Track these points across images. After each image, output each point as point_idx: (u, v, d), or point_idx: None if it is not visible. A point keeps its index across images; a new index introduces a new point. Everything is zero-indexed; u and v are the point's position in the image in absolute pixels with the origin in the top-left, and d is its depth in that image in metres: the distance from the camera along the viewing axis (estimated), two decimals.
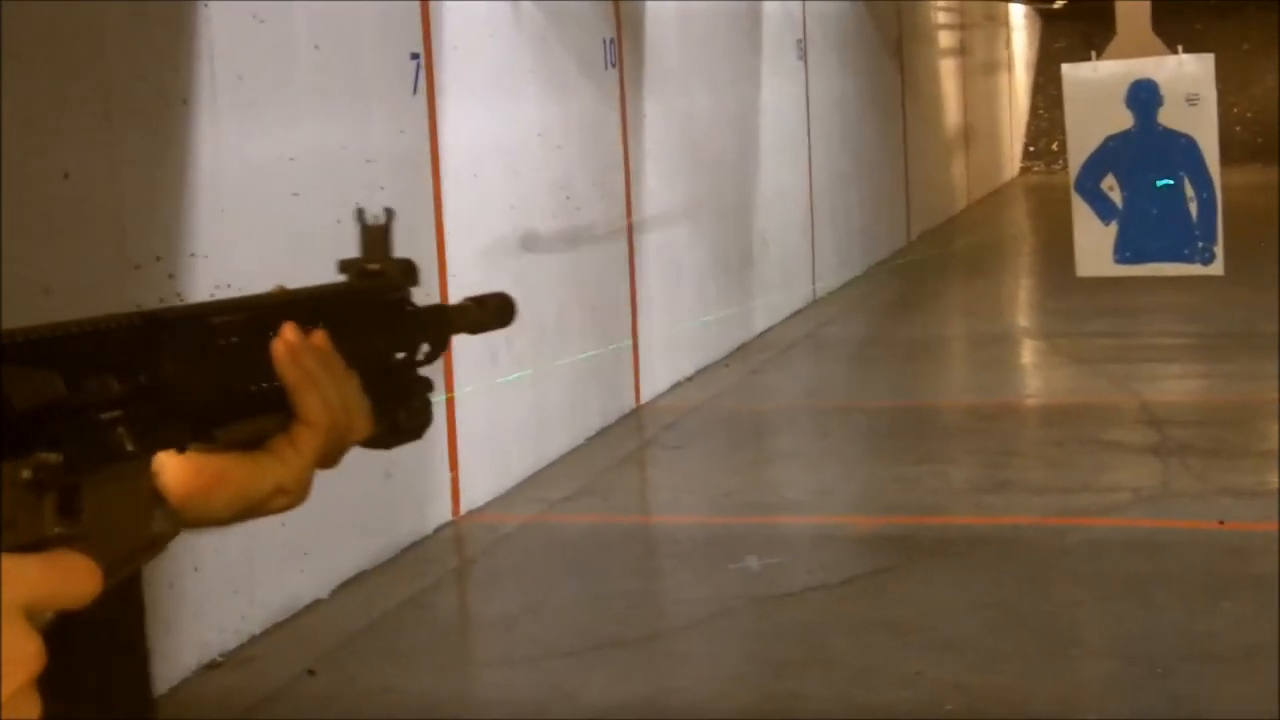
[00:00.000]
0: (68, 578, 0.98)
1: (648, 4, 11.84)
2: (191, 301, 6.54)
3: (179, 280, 6.58)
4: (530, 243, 9.09)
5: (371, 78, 8.08)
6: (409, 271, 1.49)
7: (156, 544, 1.16)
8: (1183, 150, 8.12)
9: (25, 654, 0.93)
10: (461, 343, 7.95)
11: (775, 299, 15.16)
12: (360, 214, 1.49)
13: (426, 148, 8.59)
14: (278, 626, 7.17)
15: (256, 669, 6.75)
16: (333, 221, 7.41)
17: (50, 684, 0.95)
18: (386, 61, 8.23)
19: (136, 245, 6.36)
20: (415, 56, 8.46)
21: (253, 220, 7.05)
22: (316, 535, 7.37)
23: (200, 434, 1.21)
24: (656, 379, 11.95)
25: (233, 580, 6.89)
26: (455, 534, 8.67)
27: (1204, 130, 8.11)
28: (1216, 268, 8.23)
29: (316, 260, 7.93)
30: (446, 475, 8.74)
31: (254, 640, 7.02)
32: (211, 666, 6.72)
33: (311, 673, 6.66)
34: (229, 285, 6.77)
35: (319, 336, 1.31)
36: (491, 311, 1.62)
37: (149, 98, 6.47)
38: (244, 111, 7.03)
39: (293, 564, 7.30)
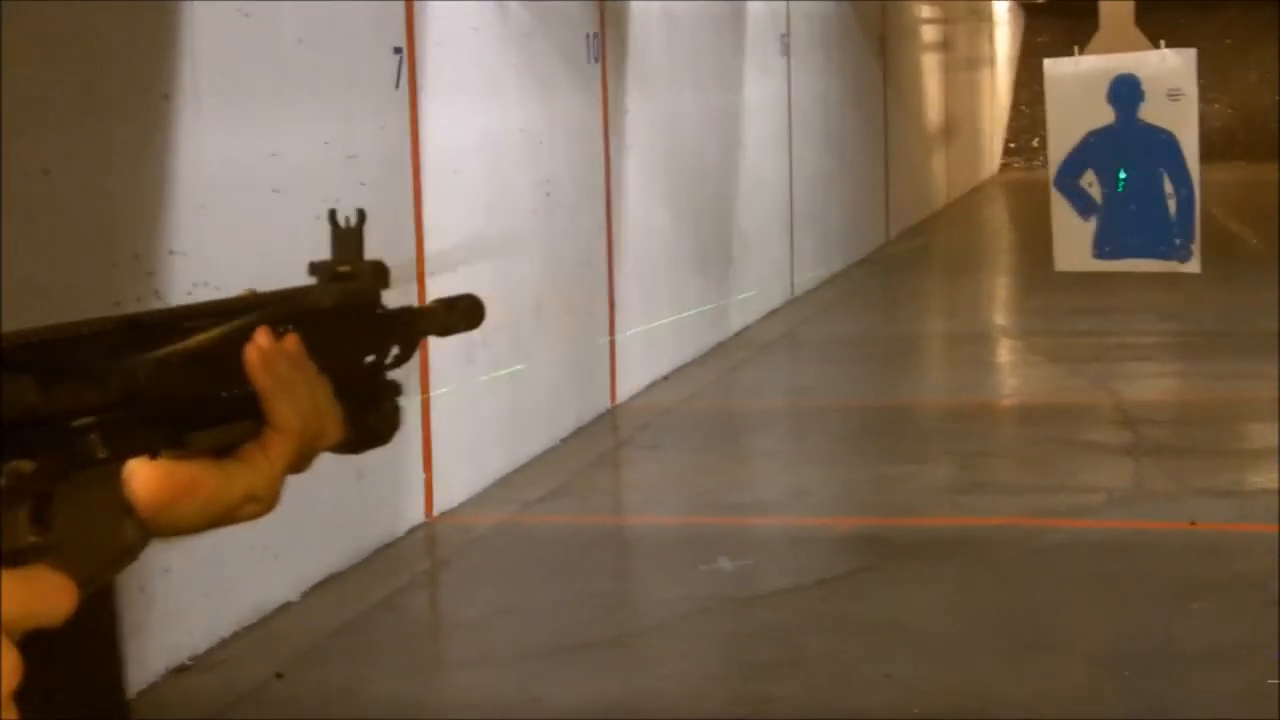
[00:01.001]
0: (43, 596, 0.97)
1: (631, 1, 11.84)
2: (167, 300, 6.54)
3: (157, 278, 6.56)
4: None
5: (354, 73, 8.06)
6: (380, 274, 1.48)
7: (128, 553, 1.15)
8: (1163, 146, 8.13)
9: (4, 668, 0.92)
10: (438, 342, 7.93)
11: (753, 297, 15.16)
12: (333, 215, 1.47)
13: (407, 144, 8.58)
14: (248, 629, 7.14)
15: (226, 672, 6.73)
16: (313, 218, 7.38)
17: (25, 695, 0.94)
18: (369, 57, 8.21)
19: (115, 243, 6.33)
20: (398, 51, 8.44)
21: (233, 217, 7.02)
22: (287, 537, 7.35)
23: (172, 440, 1.19)
24: (633, 378, 11.94)
25: (202, 583, 6.87)
26: (428, 535, 8.65)
27: (1185, 126, 8.12)
28: (1193, 265, 8.25)
29: (297, 257, 7.81)
30: (420, 476, 8.73)
31: (224, 643, 6.99)
32: (181, 670, 6.69)
33: (280, 675, 6.65)
34: (207, 283, 6.75)
35: (291, 341, 1.30)
36: (460, 314, 1.61)
37: (130, 93, 6.44)
38: (226, 107, 7.00)
39: (263, 566, 7.27)
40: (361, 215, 1.47)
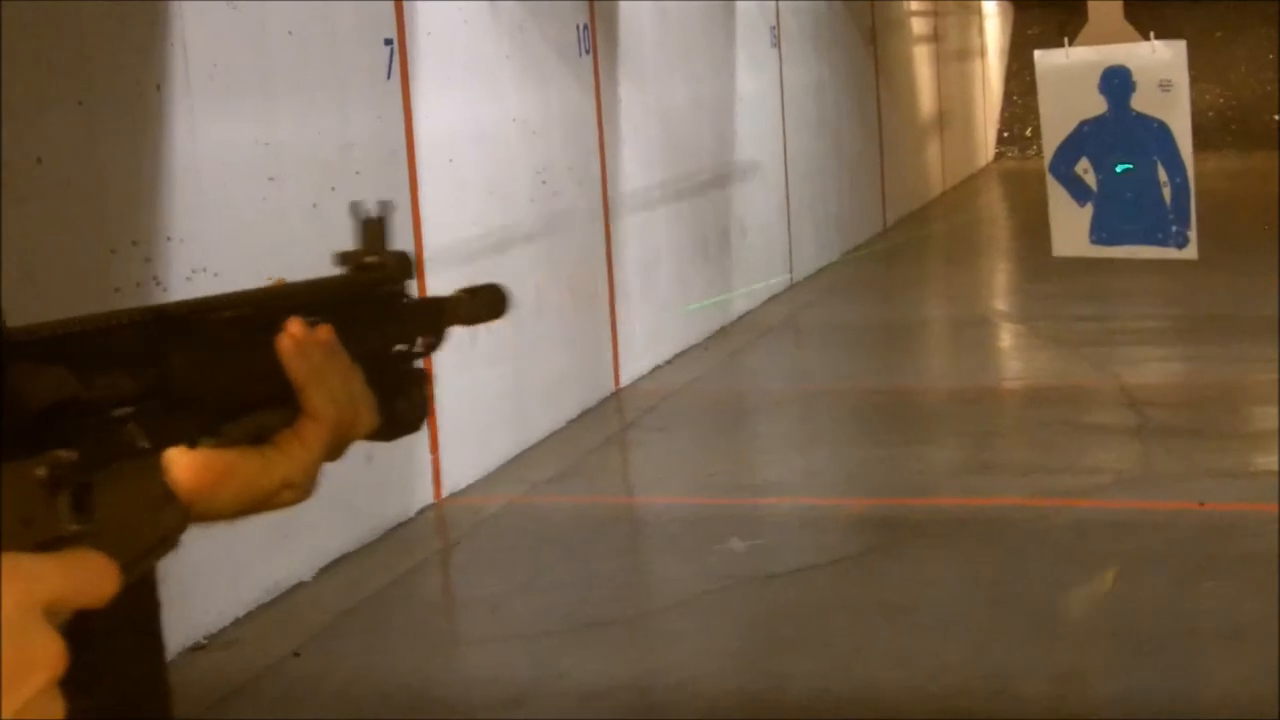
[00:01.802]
0: (87, 577, 0.96)
1: None
2: (166, 286, 6.54)
3: (155, 264, 6.57)
4: None
5: (346, 64, 8.06)
6: (405, 264, 1.50)
7: (167, 540, 1.16)
8: (1155, 135, 8.13)
9: (49, 654, 0.92)
10: None
11: (753, 284, 15.15)
12: (357, 207, 1.49)
13: (402, 134, 8.57)
14: (262, 608, 7.17)
15: (241, 651, 6.74)
16: (309, 206, 7.40)
17: (70, 681, 0.93)
18: (361, 48, 8.22)
19: (113, 229, 6.34)
20: (389, 42, 8.44)
21: (229, 204, 7.04)
22: (299, 518, 7.32)
23: (209, 429, 1.21)
24: (636, 362, 11.95)
25: (217, 563, 6.87)
26: (438, 516, 8.66)
27: (1176, 116, 8.12)
28: (1190, 251, 8.24)
29: (293, 243, 7.96)
30: (428, 458, 8.73)
31: (238, 622, 7.01)
32: (196, 649, 6.71)
33: (297, 654, 6.65)
34: (205, 269, 6.76)
35: (324, 331, 1.31)
36: (485, 303, 1.63)
37: (123, 83, 6.46)
38: (219, 97, 7.02)
39: (276, 546, 7.28)
40: (386, 207, 1.50)
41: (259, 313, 1.28)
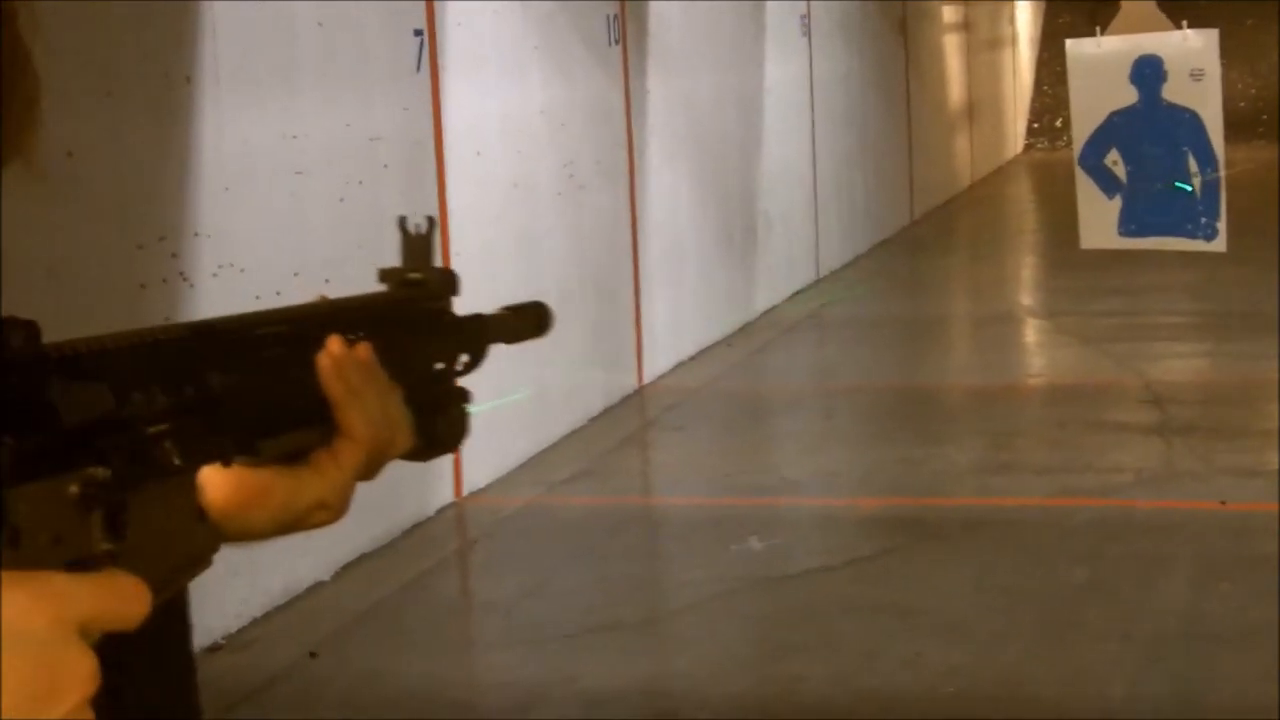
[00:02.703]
0: (120, 599, 0.97)
1: None
2: (193, 281, 6.54)
3: (182, 260, 6.56)
4: None
5: (375, 55, 8.06)
6: (450, 281, 1.49)
7: (200, 560, 1.16)
8: (1186, 125, 8.10)
9: (82, 673, 0.92)
10: None
11: (778, 278, 15.13)
12: (403, 222, 1.48)
13: (430, 125, 8.57)
14: (279, 609, 7.17)
15: (258, 652, 6.75)
16: (335, 200, 7.39)
17: (101, 701, 0.94)
18: (390, 39, 8.21)
19: (140, 225, 6.34)
20: (418, 33, 8.43)
21: (256, 199, 7.03)
22: None
23: (244, 447, 1.20)
24: (658, 359, 11.92)
25: (234, 563, 6.86)
26: (457, 516, 8.66)
27: (1208, 105, 8.09)
28: (1219, 244, 8.22)
29: (321, 239, 7.94)
30: (449, 456, 8.71)
31: (255, 623, 7.01)
32: (213, 649, 6.71)
33: (314, 655, 6.66)
34: (231, 264, 6.76)
35: (364, 349, 1.30)
36: (528, 320, 1.62)
37: (152, 75, 6.44)
38: (247, 90, 7.01)
39: (294, 547, 7.27)
40: (432, 223, 1.48)
41: (298, 330, 1.27)
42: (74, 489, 0.99)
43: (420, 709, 6.14)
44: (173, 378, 1.11)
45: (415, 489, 8.39)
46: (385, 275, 1.47)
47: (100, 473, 1.01)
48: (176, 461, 1.09)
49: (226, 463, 1.17)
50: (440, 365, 1.48)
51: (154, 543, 1.08)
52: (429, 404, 1.43)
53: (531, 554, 8.09)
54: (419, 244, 1.48)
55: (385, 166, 7.96)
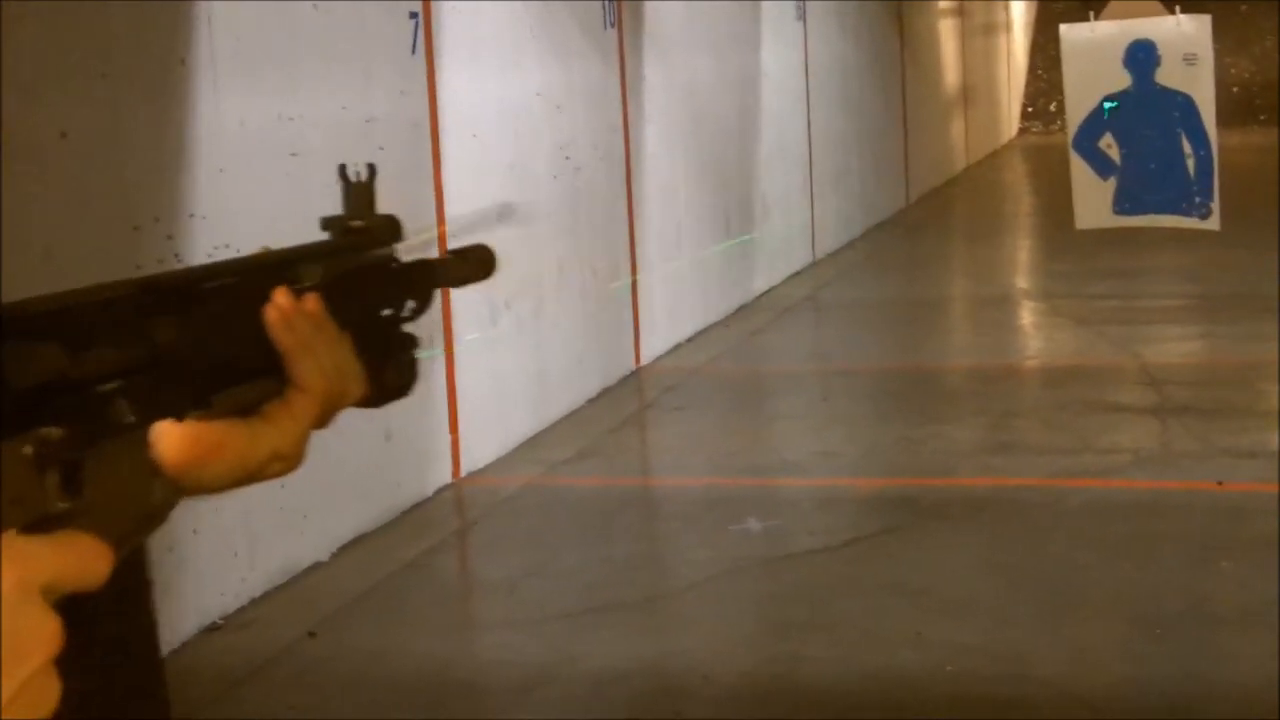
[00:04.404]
0: (82, 558, 0.97)
1: None
2: (189, 263, 6.53)
3: (177, 241, 6.55)
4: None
5: (371, 38, 8.05)
6: (394, 227, 1.48)
7: (157, 515, 1.15)
8: (1180, 108, 8.11)
9: (45, 633, 0.92)
10: (461, 304, 7.91)
11: (775, 261, 15.14)
12: (343, 170, 1.47)
13: (426, 108, 8.56)
14: (278, 589, 7.17)
15: (257, 632, 6.75)
16: (331, 182, 7.35)
17: (62, 661, 0.94)
18: (386, 21, 8.20)
19: (135, 206, 6.33)
20: (414, 16, 8.42)
21: (252, 181, 7.02)
22: (316, 498, 7.36)
23: (197, 401, 1.19)
24: (656, 341, 11.94)
25: (232, 543, 6.88)
26: (456, 496, 8.66)
27: (1201, 89, 8.10)
28: (1213, 223, 8.22)
29: (314, 222, 7.88)
30: (447, 437, 8.73)
31: (254, 603, 7.02)
32: (212, 629, 6.72)
33: (313, 635, 6.66)
34: (228, 246, 6.75)
35: (311, 300, 1.30)
36: (474, 263, 1.60)
37: (148, 57, 6.43)
38: (243, 72, 7.00)
39: (293, 527, 7.29)
40: (372, 169, 1.47)
41: (246, 282, 1.27)
42: (28, 449, 0.99)
43: (421, 689, 6.13)
44: (123, 334, 1.11)
45: (414, 470, 8.40)
46: (328, 223, 1.47)
47: (54, 432, 1.00)
48: (130, 419, 1.09)
49: (179, 417, 1.16)
50: (387, 312, 1.47)
51: (111, 500, 1.07)
52: (378, 351, 1.42)
53: (531, 534, 8.08)
54: (361, 191, 1.47)
55: (381, 148, 7.95)
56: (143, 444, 1.13)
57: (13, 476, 0.98)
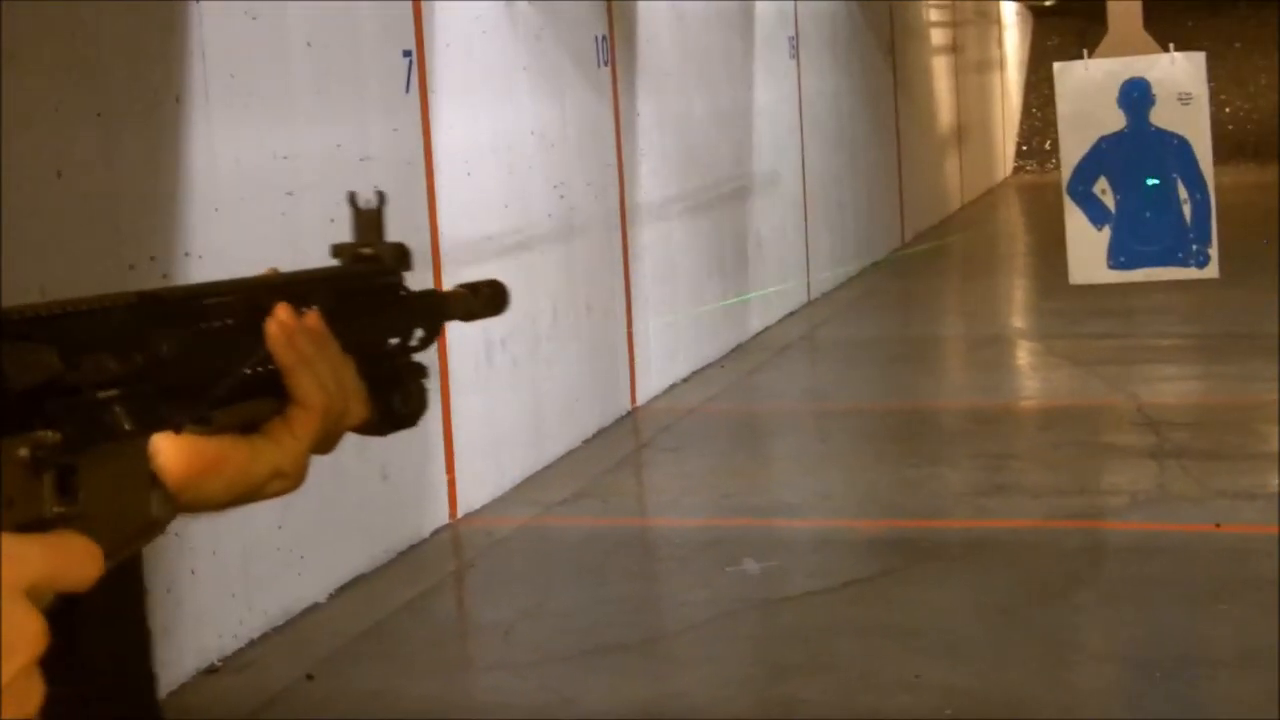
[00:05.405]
0: (70, 560, 0.97)
1: (640, 2, 11.81)
2: None
3: (173, 280, 6.54)
4: None
5: (365, 76, 8.06)
6: (402, 255, 1.49)
7: (153, 527, 1.15)
8: (1175, 151, 8.11)
9: (28, 633, 0.92)
10: (456, 343, 7.90)
11: (770, 300, 15.14)
12: (353, 198, 1.49)
13: (420, 146, 8.56)
14: (276, 631, 7.15)
15: (255, 674, 6.73)
16: (327, 220, 7.38)
17: (53, 664, 0.94)
18: (380, 59, 8.21)
19: (131, 245, 6.33)
20: (408, 54, 8.43)
21: (247, 219, 7.02)
22: (314, 539, 7.35)
23: (197, 415, 1.20)
24: (652, 381, 11.93)
25: (230, 584, 6.86)
26: (452, 537, 8.65)
27: (1197, 130, 8.10)
28: (1211, 270, 8.22)
29: (312, 259, 7.87)
30: (443, 478, 8.72)
31: (252, 645, 7.00)
32: (210, 671, 6.70)
33: (310, 677, 6.64)
34: None
35: (313, 318, 1.31)
36: (485, 299, 1.62)
37: (142, 95, 6.44)
38: (237, 109, 7.01)
39: (290, 568, 7.27)
40: (382, 198, 1.49)
41: (249, 300, 1.27)
42: (23, 451, 0.99)
43: None
44: (123, 344, 1.11)
45: (410, 511, 8.38)
46: (338, 250, 1.48)
47: (50, 436, 1.01)
48: (126, 426, 1.10)
49: (177, 430, 1.17)
50: (395, 340, 1.47)
51: (107, 508, 1.08)
52: (385, 379, 1.42)
53: (528, 575, 8.07)
54: (370, 219, 1.48)
55: (375, 187, 7.93)
56: (141, 455, 1.14)
57: (8, 478, 0.98)
